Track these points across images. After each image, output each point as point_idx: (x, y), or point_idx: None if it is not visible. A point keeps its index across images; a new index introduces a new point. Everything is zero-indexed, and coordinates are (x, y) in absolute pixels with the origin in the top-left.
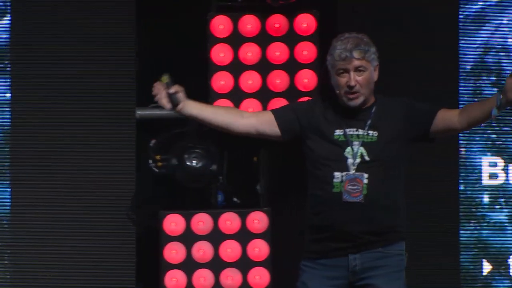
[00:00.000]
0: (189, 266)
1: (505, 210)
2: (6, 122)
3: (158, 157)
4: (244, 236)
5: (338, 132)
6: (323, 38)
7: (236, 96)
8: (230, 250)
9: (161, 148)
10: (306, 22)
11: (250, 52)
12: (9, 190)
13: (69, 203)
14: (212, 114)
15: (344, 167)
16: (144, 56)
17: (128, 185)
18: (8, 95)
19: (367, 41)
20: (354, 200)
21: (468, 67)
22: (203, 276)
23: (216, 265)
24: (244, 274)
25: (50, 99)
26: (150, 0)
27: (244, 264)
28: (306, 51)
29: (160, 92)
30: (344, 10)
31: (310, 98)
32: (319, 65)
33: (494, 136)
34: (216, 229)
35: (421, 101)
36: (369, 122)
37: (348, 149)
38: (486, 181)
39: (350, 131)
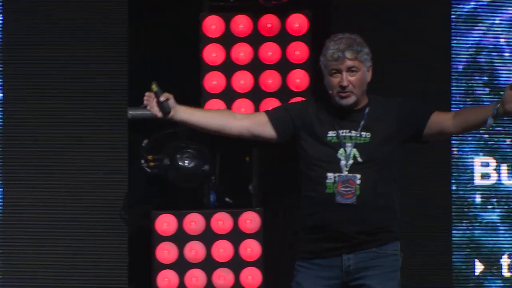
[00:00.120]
0: (181, 266)
1: (497, 210)
2: None
3: (150, 157)
4: (236, 236)
5: (331, 133)
6: (315, 38)
7: (228, 96)
8: (222, 250)
9: (153, 148)
10: (298, 22)
11: (242, 52)
12: (0, 190)
13: (60, 203)
14: (203, 118)
15: (337, 168)
16: (136, 56)
17: (120, 185)
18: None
19: (360, 42)
20: (346, 202)
21: (460, 67)
22: (195, 276)
23: (208, 265)
24: (236, 274)
25: (42, 99)
26: (142, 0)
27: (236, 264)
28: (298, 51)
29: (151, 101)
30: (336, 10)
31: (302, 98)
32: (311, 65)
33: (486, 136)
34: (208, 229)
35: (414, 101)
36: (362, 123)
37: (341, 150)
38: (478, 181)
39: (343, 132)
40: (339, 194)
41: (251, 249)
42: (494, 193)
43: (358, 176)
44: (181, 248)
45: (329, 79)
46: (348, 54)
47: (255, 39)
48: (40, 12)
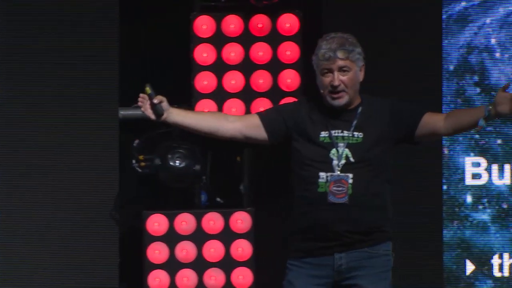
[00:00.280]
0: (172, 266)
1: (488, 210)
2: None
3: (141, 157)
4: (227, 236)
5: (323, 134)
6: (306, 38)
7: (219, 96)
8: (214, 250)
9: (145, 148)
10: (289, 22)
11: (233, 52)
12: None
13: (51, 203)
14: (196, 121)
15: (329, 168)
16: (127, 56)
17: (111, 185)
18: None
19: (352, 41)
20: (338, 201)
21: (451, 67)
22: (186, 276)
23: (200, 265)
24: (228, 274)
25: (33, 100)
26: (133, 0)
27: (228, 264)
28: (289, 51)
29: (144, 103)
30: (327, 10)
31: (293, 98)
32: (302, 65)
33: (477, 136)
34: (199, 229)
35: (405, 101)
36: (354, 123)
37: (333, 150)
38: (469, 181)
39: (335, 132)
40: (331, 193)
41: (242, 249)
42: (485, 193)
43: (350, 175)
44: (172, 248)
45: (321, 78)
46: (339, 54)
47: (246, 39)
48: (32, 12)
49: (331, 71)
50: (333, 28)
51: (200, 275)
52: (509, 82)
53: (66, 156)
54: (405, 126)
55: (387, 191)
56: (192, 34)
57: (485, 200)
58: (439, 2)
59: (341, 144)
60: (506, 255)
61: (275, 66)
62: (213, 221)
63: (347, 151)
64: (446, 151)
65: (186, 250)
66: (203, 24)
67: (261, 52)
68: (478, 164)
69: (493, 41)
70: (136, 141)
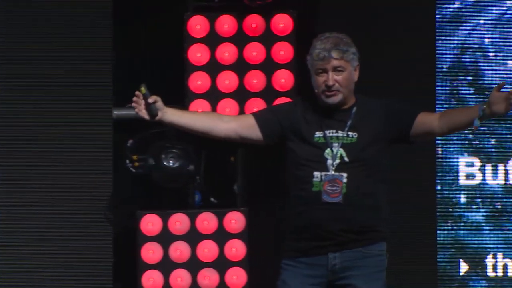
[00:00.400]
0: (166, 266)
1: (482, 210)
2: None
3: (135, 157)
4: (221, 236)
5: (318, 134)
6: (300, 38)
7: (213, 96)
8: (207, 250)
9: (138, 148)
10: (283, 22)
11: (227, 52)
12: None
13: (45, 203)
14: (191, 120)
15: (324, 168)
16: (121, 56)
17: (105, 185)
18: None
19: (347, 41)
20: (333, 201)
21: (445, 67)
22: (180, 276)
23: (193, 265)
24: (221, 274)
25: (27, 100)
26: (127, 0)
27: (221, 264)
28: (283, 51)
29: (139, 104)
30: (321, 10)
31: (287, 98)
32: (296, 65)
33: (471, 136)
34: (193, 229)
35: (399, 101)
36: (349, 123)
37: (328, 150)
38: (463, 181)
39: (330, 132)
40: (325, 193)
41: (236, 249)
42: (478, 193)
43: (345, 175)
44: (166, 248)
45: (315, 78)
46: (334, 54)
47: (240, 39)
48: (26, 13)
49: (325, 71)
50: (327, 28)
51: (194, 275)
52: (504, 81)
53: (59, 156)
54: (400, 126)
55: (382, 191)
56: (186, 34)
57: (479, 200)
58: (433, 2)
59: (335, 144)
60: (500, 255)
61: (269, 66)
62: (207, 221)
63: (341, 150)
64: (440, 151)
65: (180, 250)
66: (197, 24)
67: (255, 52)
68: (472, 164)
69: (487, 41)
70: (130, 141)
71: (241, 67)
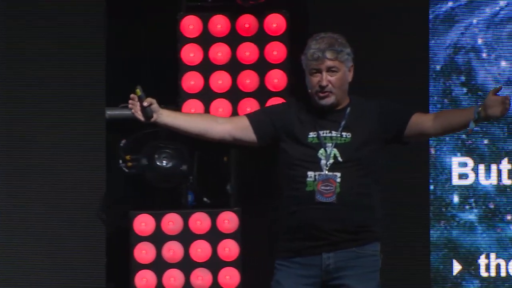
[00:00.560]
0: (159, 266)
1: (475, 210)
2: None
3: (128, 157)
4: (214, 236)
5: (311, 134)
6: (293, 38)
7: (206, 96)
8: (200, 250)
9: (131, 148)
10: (276, 22)
11: (220, 52)
12: None
13: (38, 203)
14: (186, 122)
15: (318, 167)
16: (114, 56)
17: (98, 185)
18: None
19: (341, 42)
20: (326, 200)
21: (438, 67)
22: (173, 276)
23: (186, 265)
24: (215, 274)
25: (20, 99)
26: (120, 0)
27: (214, 264)
28: (276, 51)
29: (135, 105)
30: (314, 10)
31: (280, 98)
32: (289, 65)
33: (463, 136)
34: (186, 229)
35: (393, 101)
36: (343, 123)
37: (321, 150)
38: (456, 181)
39: (324, 133)
40: (319, 192)
41: (229, 249)
42: (471, 193)
43: (338, 174)
44: (159, 248)
45: (309, 78)
46: (328, 54)
47: (233, 39)
48: (19, 13)
49: (319, 71)
50: (320, 28)
51: (187, 275)
52: (500, 85)
53: (52, 156)
54: (394, 126)
55: (375, 191)
56: (179, 34)
57: (472, 200)
58: (426, 2)
59: (329, 144)
60: (492, 255)
61: (262, 66)
62: (200, 221)
63: (335, 151)
64: (433, 151)
65: (173, 250)
66: (190, 24)
67: (248, 52)
68: (465, 164)
69: (479, 41)
70: (123, 141)
71: (234, 67)
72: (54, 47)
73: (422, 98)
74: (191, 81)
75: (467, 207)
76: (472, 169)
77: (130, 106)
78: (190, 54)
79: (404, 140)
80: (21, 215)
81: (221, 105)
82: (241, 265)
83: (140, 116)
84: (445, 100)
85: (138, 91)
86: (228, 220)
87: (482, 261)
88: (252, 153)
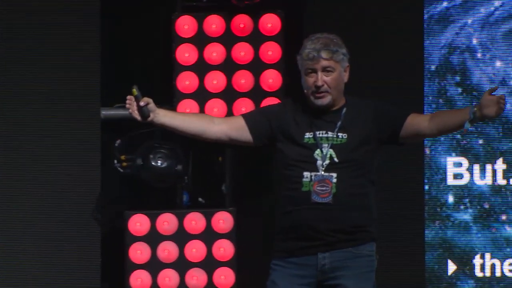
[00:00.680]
0: (154, 266)
1: (470, 210)
2: None
3: (123, 157)
4: (209, 236)
5: (308, 135)
6: (288, 38)
7: (201, 96)
8: (195, 250)
9: (126, 148)
10: (271, 22)
11: (215, 52)
12: None
13: (33, 203)
14: (183, 123)
15: (313, 168)
16: (108, 56)
17: (93, 185)
18: None
19: (337, 42)
20: (322, 201)
21: (433, 67)
22: (168, 276)
23: (181, 265)
24: (209, 274)
25: (15, 99)
26: (114, 0)
27: (209, 264)
28: (271, 51)
29: (132, 105)
30: (309, 10)
31: (275, 98)
32: (284, 65)
33: (458, 136)
34: (181, 229)
35: (387, 101)
36: (339, 124)
37: (318, 151)
38: (451, 181)
39: (320, 133)
40: (315, 193)
41: (224, 249)
42: (466, 193)
43: (334, 175)
44: (154, 248)
45: (305, 78)
46: (323, 54)
47: (228, 39)
48: (13, 11)
49: (315, 71)
50: (315, 28)
51: (182, 275)
52: (496, 86)
53: (47, 156)
54: (390, 127)
55: (371, 191)
56: (174, 34)
57: (467, 200)
58: (421, 2)
59: (325, 145)
60: (487, 255)
61: (257, 66)
62: (195, 221)
63: (331, 151)
64: (428, 151)
65: (168, 250)
66: (185, 24)
67: (243, 52)
68: (459, 164)
69: (474, 41)
70: (118, 141)
71: (229, 67)
72: (49, 46)
73: (417, 98)
74: (186, 81)
75: (462, 207)
76: (467, 169)
77: (127, 105)
78: (185, 54)
79: (400, 141)
80: (15, 215)
81: (216, 105)
82: (236, 265)
83: (137, 115)
84: (440, 100)
85: (134, 90)
86: (223, 220)
87: (477, 261)
88: (247, 153)
